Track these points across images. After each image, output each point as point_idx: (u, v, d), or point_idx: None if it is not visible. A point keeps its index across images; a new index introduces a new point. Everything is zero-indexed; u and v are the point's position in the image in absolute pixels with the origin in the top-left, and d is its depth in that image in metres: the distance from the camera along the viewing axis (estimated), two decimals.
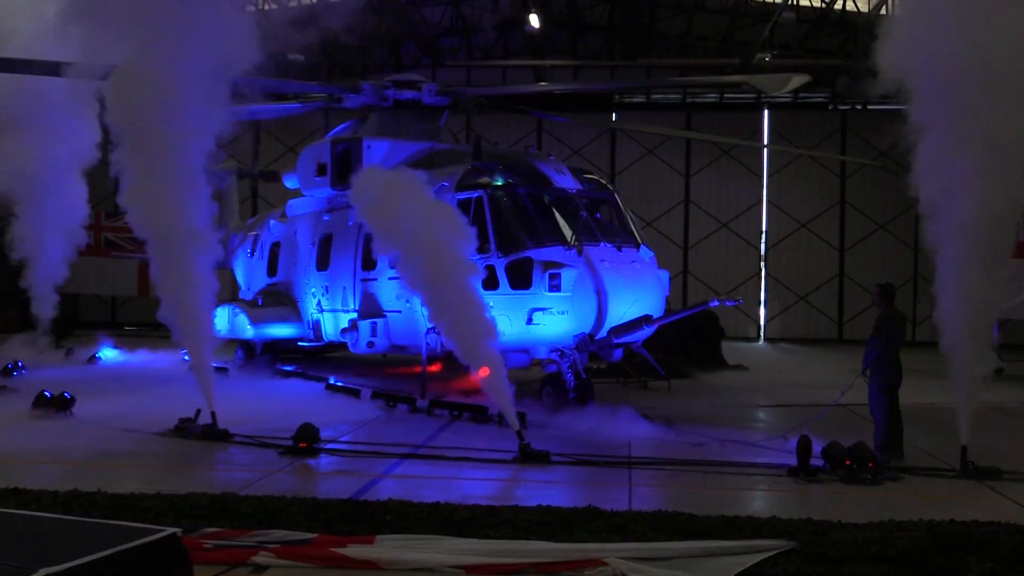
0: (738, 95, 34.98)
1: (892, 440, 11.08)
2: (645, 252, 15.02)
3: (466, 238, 11.95)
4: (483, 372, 11.45)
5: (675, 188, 35.62)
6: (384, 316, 16.67)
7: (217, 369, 19.52)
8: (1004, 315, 22.87)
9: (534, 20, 30.51)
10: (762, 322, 35.32)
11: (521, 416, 12.80)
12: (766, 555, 6.39)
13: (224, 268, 23.50)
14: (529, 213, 14.71)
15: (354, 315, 17.29)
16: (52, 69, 13.86)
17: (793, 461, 10.13)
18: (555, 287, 13.64)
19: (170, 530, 4.64)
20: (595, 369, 17.38)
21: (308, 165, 18.45)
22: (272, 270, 20.73)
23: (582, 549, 6.62)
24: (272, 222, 20.90)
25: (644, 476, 10.08)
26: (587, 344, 13.79)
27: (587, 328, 13.69)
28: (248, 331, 19.56)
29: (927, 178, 9.79)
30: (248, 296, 21.39)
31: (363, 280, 17.32)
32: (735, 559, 6.36)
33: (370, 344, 16.69)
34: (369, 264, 17.15)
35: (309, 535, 7.02)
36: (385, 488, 9.18)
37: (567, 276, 13.58)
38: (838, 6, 28.97)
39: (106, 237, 33.25)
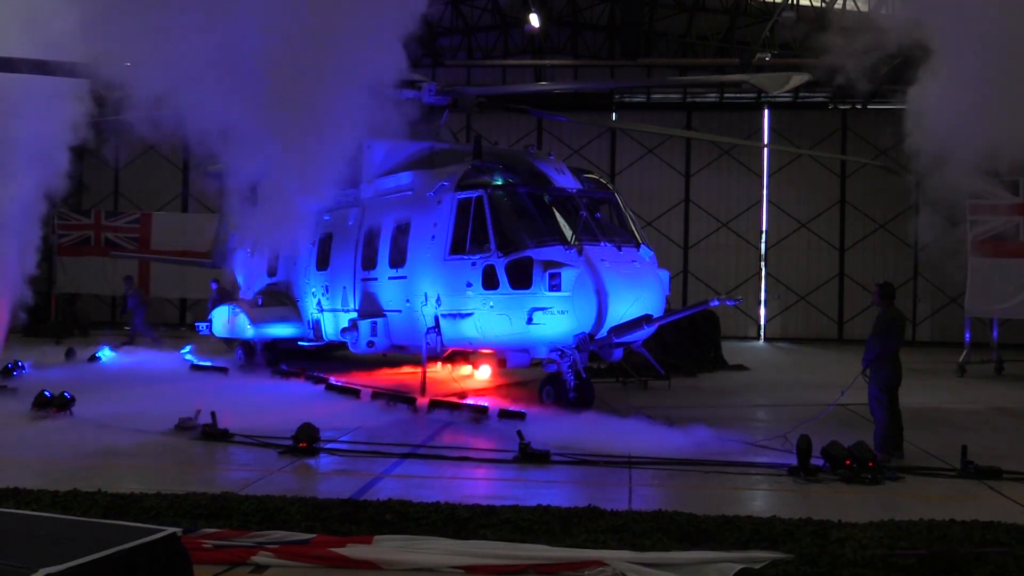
0: (738, 95, 34.98)
1: (892, 440, 11.08)
2: (645, 252, 15.01)
3: None
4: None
5: (675, 188, 35.62)
6: (384, 316, 16.68)
7: (217, 369, 19.66)
8: (1004, 315, 22.96)
9: (534, 20, 30.51)
10: (762, 322, 35.32)
11: (521, 416, 12.85)
12: (763, 564, 6.40)
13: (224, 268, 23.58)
14: (529, 213, 14.71)
15: (354, 315, 17.29)
16: (39, 68, 13.83)
17: (793, 461, 10.14)
18: (555, 287, 13.62)
19: (170, 530, 4.64)
20: (595, 369, 17.38)
21: None
22: (272, 270, 20.73)
23: (581, 555, 6.62)
24: None
25: (644, 476, 10.07)
26: (587, 344, 13.77)
27: (587, 328, 13.67)
28: (248, 331, 19.56)
29: None
30: (248, 296, 21.39)
31: (363, 280, 17.33)
32: (733, 566, 6.36)
33: (370, 344, 16.69)
34: (369, 264, 17.16)
35: (308, 535, 7.02)
36: (385, 488, 9.17)
37: (567, 276, 13.57)
38: (838, 6, 28.95)
39: (106, 237, 33.29)
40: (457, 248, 14.98)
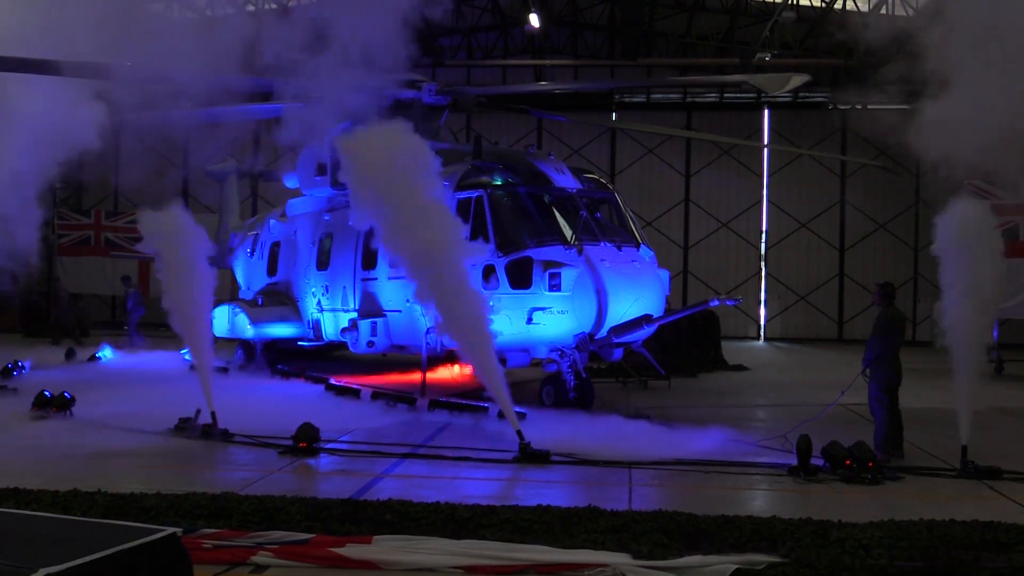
0: (738, 95, 34.96)
1: (892, 440, 11.09)
2: (645, 251, 15.01)
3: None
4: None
5: (675, 188, 35.61)
6: (384, 316, 16.67)
7: (217, 369, 19.63)
8: (1004, 315, 22.95)
9: (534, 20, 30.50)
10: (762, 322, 35.31)
11: (521, 416, 12.84)
12: (762, 567, 6.41)
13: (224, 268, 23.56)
14: (529, 212, 14.70)
15: (354, 315, 17.28)
16: (49, 68, 13.81)
17: (793, 461, 10.14)
18: (555, 286, 13.61)
19: (170, 530, 4.64)
20: (595, 369, 17.37)
21: (308, 164, 18.44)
22: (272, 270, 20.72)
23: (581, 556, 6.62)
24: (272, 222, 20.89)
25: (644, 476, 10.07)
26: (587, 344, 13.77)
27: (587, 328, 13.67)
28: (248, 331, 19.55)
29: None
30: (248, 296, 21.38)
31: (363, 280, 17.32)
32: (731, 567, 6.37)
33: (370, 344, 16.68)
34: (369, 264, 17.15)
35: (308, 535, 7.02)
36: (385, 488, 9.18)
37: (567, 275, 13.56)
38: (838, 6, 28.97)
39: (106, 237, 33.30)
40: None
